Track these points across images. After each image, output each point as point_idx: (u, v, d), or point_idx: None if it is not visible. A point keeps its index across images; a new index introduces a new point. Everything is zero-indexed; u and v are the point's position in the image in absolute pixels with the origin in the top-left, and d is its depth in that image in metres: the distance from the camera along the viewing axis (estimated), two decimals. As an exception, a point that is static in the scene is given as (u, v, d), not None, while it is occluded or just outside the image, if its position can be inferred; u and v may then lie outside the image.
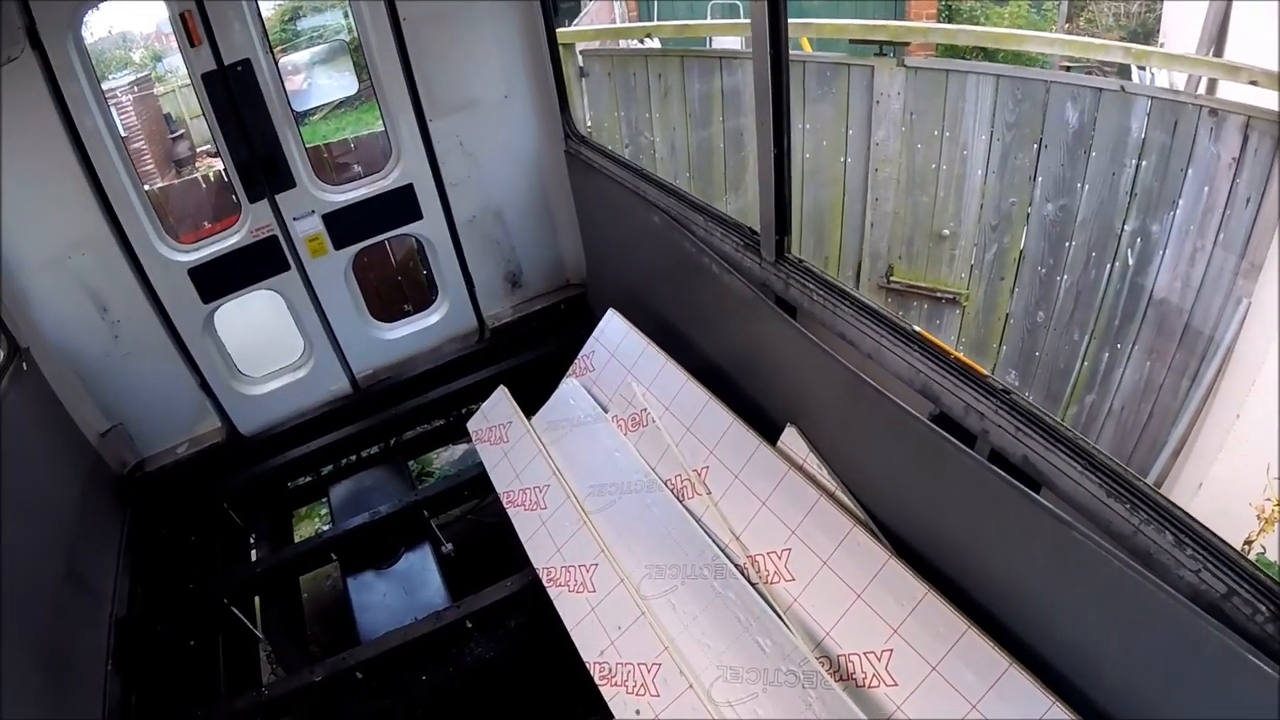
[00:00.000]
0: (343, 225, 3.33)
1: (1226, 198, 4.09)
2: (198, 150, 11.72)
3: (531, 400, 3.02)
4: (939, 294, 5.10)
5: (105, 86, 2.95)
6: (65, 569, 2.56)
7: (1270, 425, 3.63)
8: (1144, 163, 4.36)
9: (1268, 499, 3.72)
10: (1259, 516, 3.74)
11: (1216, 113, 4.06)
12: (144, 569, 3.04)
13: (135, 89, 11.30)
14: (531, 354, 3.70)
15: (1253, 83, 3.98)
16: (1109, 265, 4.58)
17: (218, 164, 7.81)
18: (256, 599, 3.23)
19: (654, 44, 5.70)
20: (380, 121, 3.34)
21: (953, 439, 1.75)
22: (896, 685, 1.81)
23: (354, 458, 3.88)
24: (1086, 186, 4.55)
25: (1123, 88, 4.39)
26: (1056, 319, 4.81)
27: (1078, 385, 4.83)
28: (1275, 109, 3.80)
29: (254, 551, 3.61)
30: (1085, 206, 4.57)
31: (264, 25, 2.99)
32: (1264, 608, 1.28)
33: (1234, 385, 4.07)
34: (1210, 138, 4.10)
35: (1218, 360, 4.13)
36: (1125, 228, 4.50)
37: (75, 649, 2.48)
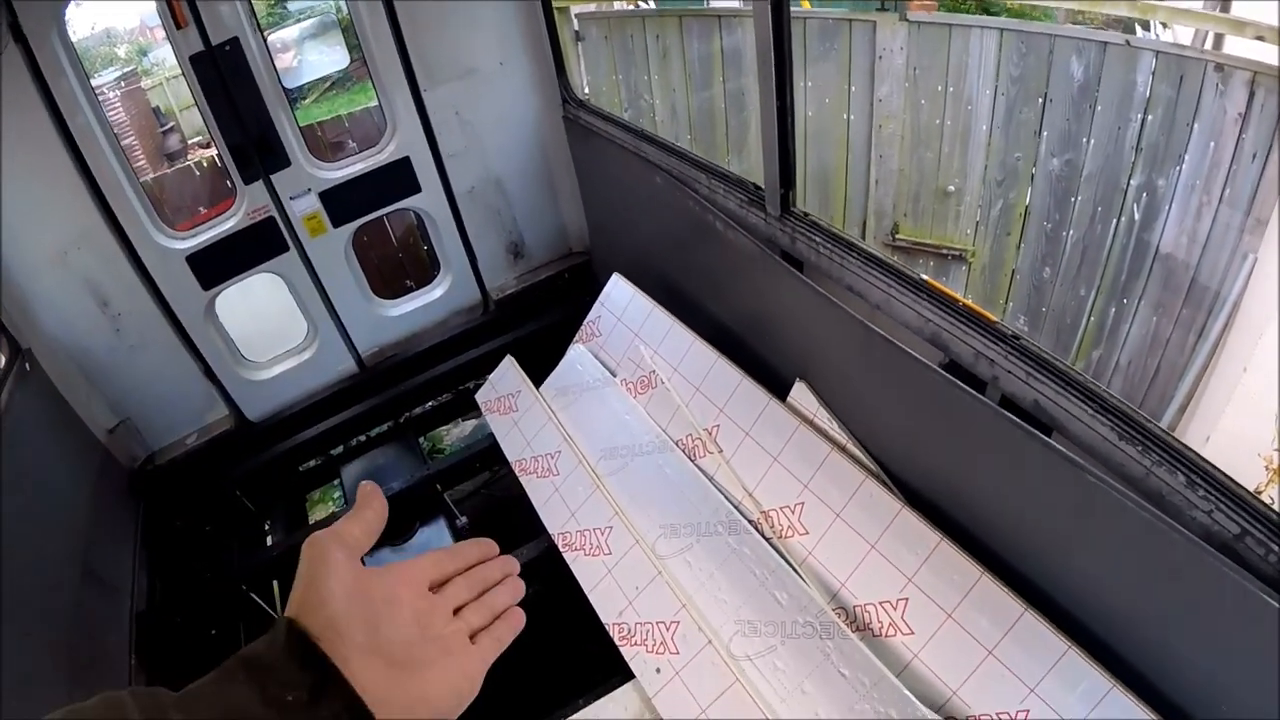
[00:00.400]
0: (340, 202, 3.28)
1: (1233, 153, 4.04)
2: (189, 142, 11.60)
3: (539, 369, 3.00)
4: (945, 251, 5.06)
5: (93, 84, 2.89)
6: (82, 568, 2.55)
7: (1275, 379, 3.62)
8: (1150, 117, 4.29)
9: (1276, 450, 3.73)
10: (1267, 468, 3.75)
11: (1222, 68, 3.98)
12: (161, 561, 3.03)
13: (122, 84, 11.16)
14: (537, 324, 3.68)
15: (1259, 38, 3.90)
16: (1115, 220, 4.53)
17: (209, 154, 7.72)
18: (275, 583, 3.24)
19: (649, 5, 5.58)
20: (374, 98, 3.28)
21: (964, 386, 1.75)
22: (913, 634, 1.82)
23: (364, 437, 3.88)
24: (1092, 141, 4.48)
25: (1128, 41, 4.31)
26: (1063, 274, 4.78)
27: (1085, 340, 4.81)
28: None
29: (269, 537, 3.62)
30: (1091, 161, 4.51)
31: (250, 2, 2.93)
32: (1276, 547, 1.28)
33: (1240, 340, 4.05)
34: (1216, 93, 4.03)
35: (1224, 315, 4.11)
36: (1131, 183, 4.44)
37: (99, 646, 2.49)
